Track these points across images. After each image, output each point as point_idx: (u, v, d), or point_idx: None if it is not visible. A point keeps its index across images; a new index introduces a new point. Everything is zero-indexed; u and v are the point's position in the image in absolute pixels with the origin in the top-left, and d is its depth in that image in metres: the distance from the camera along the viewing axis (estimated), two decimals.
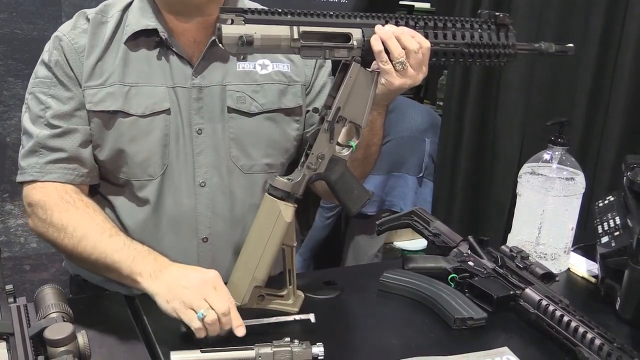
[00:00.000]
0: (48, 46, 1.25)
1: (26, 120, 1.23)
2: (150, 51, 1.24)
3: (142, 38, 1.23)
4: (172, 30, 1.24)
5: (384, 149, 2.50)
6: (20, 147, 1.24)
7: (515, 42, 1.16)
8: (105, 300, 1.19)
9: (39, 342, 0.89)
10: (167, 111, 1.23)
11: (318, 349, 1.02)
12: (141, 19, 1.23)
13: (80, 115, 1.22)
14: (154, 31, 1.22)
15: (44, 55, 1.24)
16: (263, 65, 1.29)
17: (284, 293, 1.13)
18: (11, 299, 0.97)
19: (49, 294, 0.98)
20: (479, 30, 1.14)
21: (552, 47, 1.19)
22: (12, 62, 2.44)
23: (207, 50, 1.24)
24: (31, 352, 0.86)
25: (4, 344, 0.85)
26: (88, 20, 1.24)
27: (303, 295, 1.15)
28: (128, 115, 1.21)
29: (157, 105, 1.22)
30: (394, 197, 2.58)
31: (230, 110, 1.26)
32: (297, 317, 1.10)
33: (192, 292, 1.03)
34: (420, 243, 2.87)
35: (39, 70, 1.24)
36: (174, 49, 1.23)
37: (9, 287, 0.99)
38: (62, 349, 0.87)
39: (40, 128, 1.21)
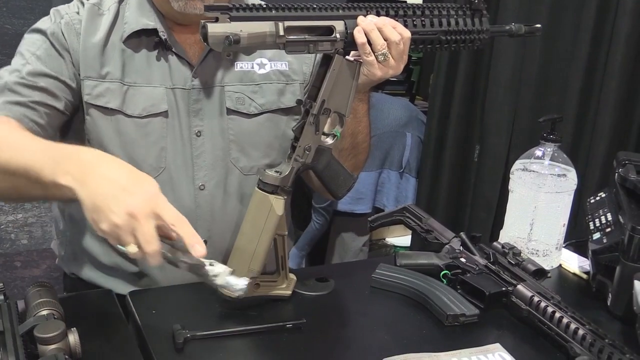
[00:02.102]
0: (45, 18, 1.22)
1: (3, 70, 1.19)
2: (150, 51, 1.22)
3: (142, 37, 1.22)
4: (172, 30, 1.23)
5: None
6: None
7: (489, 27, 1.19)
8: (96, 297, 1.18)
9: (30, 340, 0.88)
10: (164, 113, 1.22)
11: (237, 281, 0.97)
12: (140, 17, 1.22)
13: (56, 82, 1.18)
14: (154, 31, 1.21)
15: (40, 24, 1.21)
16: (261, 65, 1.29)
17: (277, 278, 1.16)
18: (1, 296, 0.96)
19: (39, 292, 0.98)
20: (455, 16, 1.16)
21: (522, 28, 1.23)
22: (3, 57, 2.43)
23: (208, 51, 1.23)
24: (22, 349, 0.85)
25: None
26: (83, 4, 1.23)
27: (295, 278, 1.18)
28: (125, 115, 1.20)
29: (154, 107, 1.21)
30: (377, 194, 2.59)
31: (230, 111, 1.25)
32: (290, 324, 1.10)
33: (120, 222, 0.87)
34: (405, 239, 2.87)
35: (31, 34, 1.21)
36: (173, 50, 1.22)
37: None
38: (52, 346, 0.87)
39: (13, 77, 1.16)
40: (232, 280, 0.97)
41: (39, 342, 0.87)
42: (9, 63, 1.21)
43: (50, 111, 1.17)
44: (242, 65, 1.27)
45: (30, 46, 1.20)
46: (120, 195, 0.88)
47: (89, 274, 1.32)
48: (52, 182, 0.93)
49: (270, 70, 1.29)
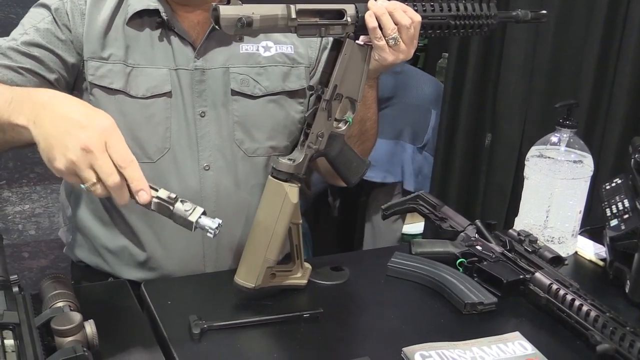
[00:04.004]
0: None
1: (2, 38, 1.19)
2: (152, 32, 1.22)
3: (144, 18, 1.21)
4: (174, 11, 1.22)
5: (389, 112, 2.44)
6: None
7: (497, 12, 1.20)
8: (110, 288, 1.17)
9: (46, 332, 0.87)
10: (168, 94, 1.22)
11: (208, 222, 0.90)
12: None
13: (51, 55, 1.18)
14: (156, 11, 1.20)
15: (44, 0, 1.21)
16: (266, 48, 1.28)
17: (292, 268, 1.15)
18: (16, 288, 0.95)
19: (54, 283, 0.97)
20: (464, 1, 1.16)
21: (528, 14, 1.24)
22: None
23: (209, 32, 1.23)
24: (38, 342, 0.84)
25: (10, 333, 0.84)
26: None
27: (310, 267, 1.17)
28: (129, 96, 1.20)
29: (157, 87, 1.21)
30: (393, 165, 2.51)
31: (234, 92, 1.25)
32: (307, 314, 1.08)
33: (75, 158, 0.84)
34: (418, 227, 2.84)
35: (35, 8, 1.22)
36: (175, 30, 1.22)
37: (13, 276, 0.97)
38: (70, 338, 0.86)
39: (8, 43, 1.17)
40: (205, 221, 0.90)
41: (56, 334, 0.86)
42: None
43: (39, 80, 1.16)
44: (247, 47, 1.27)
45: (33, 19, 1.20)
46: (73, 130, 0.85)
47: (95, 259, 1.31)
48: (8, 123, 0.92)
49: (276, 53, 1.29)
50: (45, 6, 1.20)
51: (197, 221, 0.90)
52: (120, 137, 0.87)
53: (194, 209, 0.90)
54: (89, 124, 0.86)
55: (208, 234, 0.90)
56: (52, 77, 1.18)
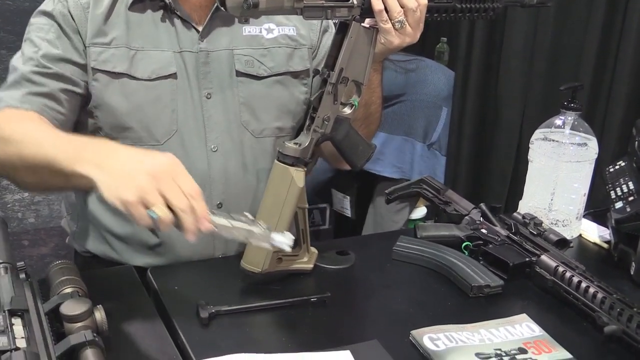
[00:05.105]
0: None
1: (16, 59, 1.18)
2: (155, 16, 1.21)
3: (146, 1, 1.21)
4: None
5: (399, 109, 2.43)
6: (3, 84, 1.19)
7: None
8: (116, 274, 1.17)
9: (55, 318, 0.87)
10: (173, 75, 1.22)
11: (282, 238, 0.93)
12: None
13: (71, 66, 1.18)
14: None
15: (45, 6, 1.20)
16: (269, 30, 1.29)
17: (298, 252, 1.15)
18: (23, 275, 0.95)
19: (62, 269, 0.97)
20: None
21: None
22: (4, 35, 2.39)
23: (212, 14, 1.23)
24: (47, 327, 0.84)
25: (19, 320, 0.83)
26: None
27: (316, 252, 1.17)
28: (133, 78, 1.19)
29: (163, 69, 1.21)
30: (404, 163, 2.50)
31: (239, 73, 1.25)
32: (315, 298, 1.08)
33: (143, 184, 0.86)
34: (419, 212, 2.84)
35: (37, 18, 1.20)
36: (178, 13, 1.21)
37: (20, 263, 0.97)
38: (79, 324, 0.85)
39: (27, 66, 1.16)
40: (277, 237, 0.93)
41: (65, 320, 0.85)
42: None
43: (69, 97, 1.18)
44: (251, 29, 1.27)
45: (39, 31, 1.19)
46: (140, 164, 0.89)
47: (102, 247, 1.31)
48: (72, 172, 0.93)
49: (279, 35, 1.30)
50: (47, 14, 1.19)
51: (272, 238, 0.93)
52: (185, 170, 0.90)
53: (263, 231, 0.93)
54: (154, 158, 0.91)
55: (286, 248, 0.93)
56: (79, 88, 1.18)
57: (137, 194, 0.86)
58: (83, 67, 1.19)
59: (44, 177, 1.02)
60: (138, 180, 0.86)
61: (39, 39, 1.18)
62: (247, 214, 0.95)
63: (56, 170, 0.96)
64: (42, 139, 1.01)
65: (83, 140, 1.01)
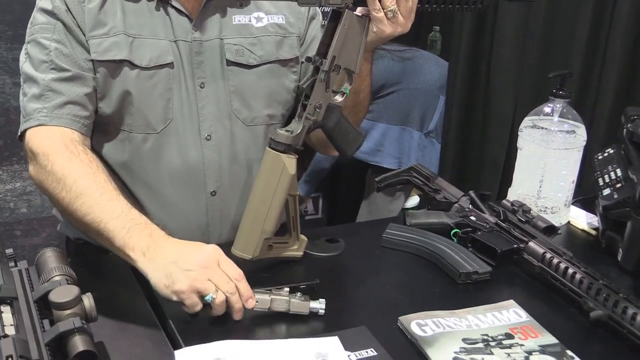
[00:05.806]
0: None
1: (28, 67, 1.20)
2: (150, 4, 1.22)
3: None
4: None
5: (396, 98, 2.44)
6: (22, 96, 1.21)
7: None
8: (106, 262, 1.17)
9: (44, 305, 0.87)
10: (170, 65, 1.22)
11: (318, 304, 1.01)
12: None
13: (85, 62, 1.19)
14: None
15: (43, 3, 1.20)
16: (258, 19, 1.30)
17: (288, 240, 1.16)
18: (12, 263, 0.95)
19: (50, 257, 0.97)
20: None
21: None
22: (1, 26, 2.38)
23: (205, 3, 1.23)
24: (36, 315, 0.84)
25: (8, 308, 0.84)
26: None
27: (306, 239, 1.19)
28: (133, 65, 1.20)
29: (160, 58, 1.22)
30: (402, 154, 2.50)
31: (230, 63, 1.26)
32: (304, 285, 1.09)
33: (195, 275, 0.97)
34: (412, 201, 2.84)
35: (38, 17, 1.20)
36: (171, 3, 1.22)
37: (9, 251, 0.97)
38: (68, 311, 0.85)
39: (45, 72, 1.18)
40: (314, 305, 1.02)
41: (54, 308, 0.85)
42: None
43: (90, 98, 1.20)
44: (240, 18, 1.28)
45: (45, 32, 1.19)
46: (189, 256, 1.00)
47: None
48: (121, 250, 1.03)
49: (268, 24, 1.30)
50: (47, 12, 1.19)
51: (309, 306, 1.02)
52: (226, 257, 1.02)
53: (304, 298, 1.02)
54: (200, 249, 1.02)
55: (320, 313, 1.02)
56: (94, 84, 1.20)
57: (190, 284, 0.97)
58: (90, 61, 1.20)
59: (91, 232, 1.09)
60: (192, 272, 0.98)
61: (46, 39, 1.18)
62: (286, 287, 1.04)
63: (106, 238, 1.05)
64: (96, 201, 1.07)
65: (128, 215, 1.06)
